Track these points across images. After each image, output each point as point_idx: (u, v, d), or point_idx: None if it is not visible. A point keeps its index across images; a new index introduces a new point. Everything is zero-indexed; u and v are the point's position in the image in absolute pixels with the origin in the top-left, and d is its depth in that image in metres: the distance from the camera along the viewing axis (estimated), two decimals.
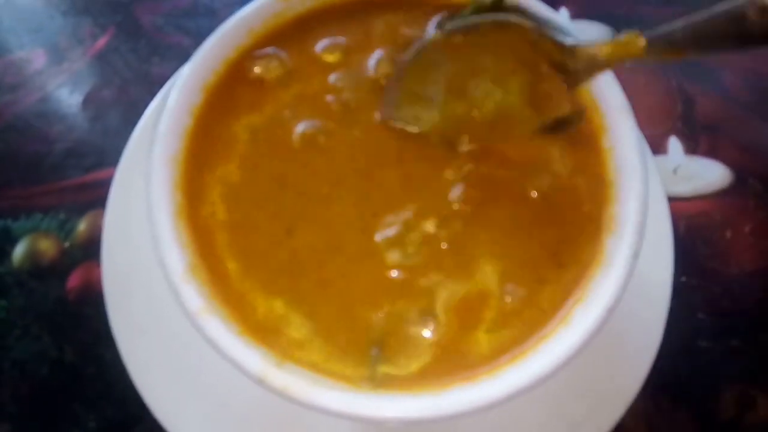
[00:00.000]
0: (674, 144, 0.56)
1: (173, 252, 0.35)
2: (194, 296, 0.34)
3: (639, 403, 0.43)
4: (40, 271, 0.53)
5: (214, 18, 0.61)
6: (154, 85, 0.57)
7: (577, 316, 0.34)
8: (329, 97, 0.39)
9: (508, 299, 0.36)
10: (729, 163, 0.55)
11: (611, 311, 0.33)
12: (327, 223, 0.37)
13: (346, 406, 0.32)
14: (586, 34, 0.59)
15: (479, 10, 0.39)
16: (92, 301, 0.51)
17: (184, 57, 0.52)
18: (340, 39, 0.40)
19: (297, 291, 0.36)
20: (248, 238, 0.37)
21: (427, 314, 0.35)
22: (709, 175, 0.55)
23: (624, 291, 0.34)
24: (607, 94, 0.38)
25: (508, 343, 0.35)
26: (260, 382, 0.33)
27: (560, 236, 0.37)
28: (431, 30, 0.40)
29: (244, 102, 0.40)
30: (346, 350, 0.35)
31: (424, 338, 0.35)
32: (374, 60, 0.40)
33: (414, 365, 0.35)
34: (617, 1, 0.62)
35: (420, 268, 0.36)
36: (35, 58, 0.60)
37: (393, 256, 0.36)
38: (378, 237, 0.36)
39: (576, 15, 0.61)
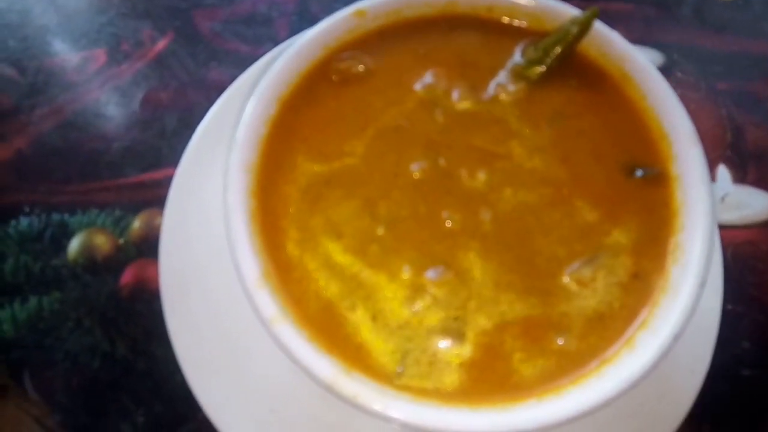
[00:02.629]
0: (723, 172, 0.57)
1: (249, 257, 0.36)
2: (268, 303, 0.35)
3: (682, 429, 0.44)
4: (94, 266, 0.54)
5: (270, 26, 0.63)
6: (211, 90, 0.59)
7: (641, 342, 0.35)
8: (401, 120, 0.40)
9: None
10: None
11: (678, 338, 0.34)
12: (402, 237, 0.38)
13: (414, 417, 0.33)
14: None
15: (565, 37, 0.40)
16: (145, 298, 0.52)
17: (241, 63, 0.53)
18: (411, 61, 0.41)
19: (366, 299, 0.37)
20: (319, 245, 0.38)
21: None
22: (756, 204, 0.55)
23: (690, 319, 0.35)
24: (675, 122, 0.39)
25: (568, 365, 0.36)
26: (329, 389, 0.34)
27: None
28: (517, 57, 0.41)
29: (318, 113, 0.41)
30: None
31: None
32: (456, 93, 0.41)
33: (455, 378, 0.35)
34: (670, 28, 0.62)
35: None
36: (96, 58, 0.61)
37: None
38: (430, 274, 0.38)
39: (628, 40, 0.61)
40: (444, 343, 0.36)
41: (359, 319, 0.37)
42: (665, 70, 0.60)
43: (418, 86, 0.42)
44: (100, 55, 0.61)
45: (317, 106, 0.41)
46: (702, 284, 0.35)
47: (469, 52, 0.43)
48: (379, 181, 0.40)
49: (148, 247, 0.54)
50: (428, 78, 0.42)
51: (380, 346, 0.36)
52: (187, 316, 0.45)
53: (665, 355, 0.34)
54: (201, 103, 0.57)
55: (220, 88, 0.51)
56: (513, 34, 0.43)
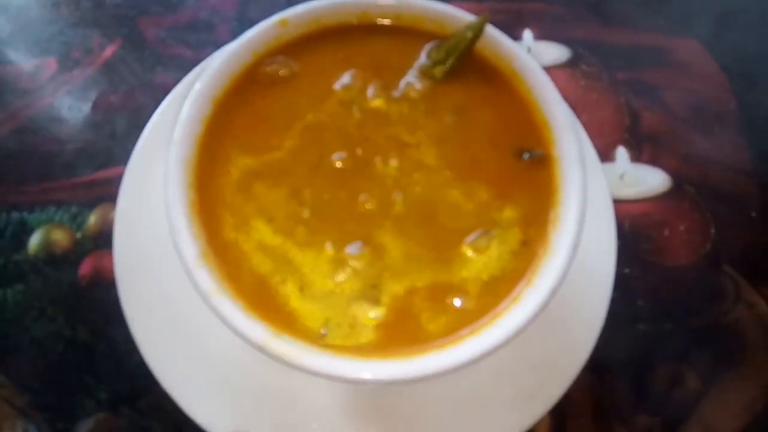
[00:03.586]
0: (621, 153, 0.64)
1: (187, 241, 0.41)
2: (206, 279, 0.40)
3: (585, 377, 0.50)
4: (54, 259, 0.58)
5: (212, 32, 0.67)
6: (157, 92, 0.63)
7: (526, 297, 0.41)
8: (323, 116, 0.46)
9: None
10: (668, 170, 0.63)
11: (555, 292, 0.40)
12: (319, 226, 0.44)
13: (333, 369, 0.39)
14: (547, 54, 0.67)
15: (462, 40, 0.46)
16: (103, 286, 0.57)
17: (185, 67, 0.58)
18: (331, 64, 0.47)
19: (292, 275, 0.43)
20: (252, 229, 0.43)
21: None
22: (651, 180, 0.63)
23: (566, 274, 0.41)
24: (555, 111, 0.45)
25: (467, 320, 0.42)
26: (261, 349, 0.39)
27: None
28: (423, 58, 0.47)
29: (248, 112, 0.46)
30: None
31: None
32: (371, 91, 0.47)
33: (372, 337, 0.41)
34: (576, 25, 0.69)
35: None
36: (47, 66, 0.65)
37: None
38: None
39: (538, 36, 0.68)
40: (362, 308, 0.42)
41: (289, 291, 0.42)
42: (573, 63, 0.67)
43: (337, 86, 0.47)
44: (52, 62, 0.65)
45: (248, 106, 0.46)
46: (575, 245, 0.41)
47: (382, 54, 0.48)
48: (304, 171, 0.45)
49: (103, 239, 0.58)
50: (346, 79, 0.47)
51: (307, 313, 0.42)
52: (141, 301, 0.50)
53: (545, 305, 0.40)
54: (149, 105, 0.61)
55: (166, 91, 0.55)
56: (420, 38, 0.48)
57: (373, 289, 0.43)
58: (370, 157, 0.45)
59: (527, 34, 0.68)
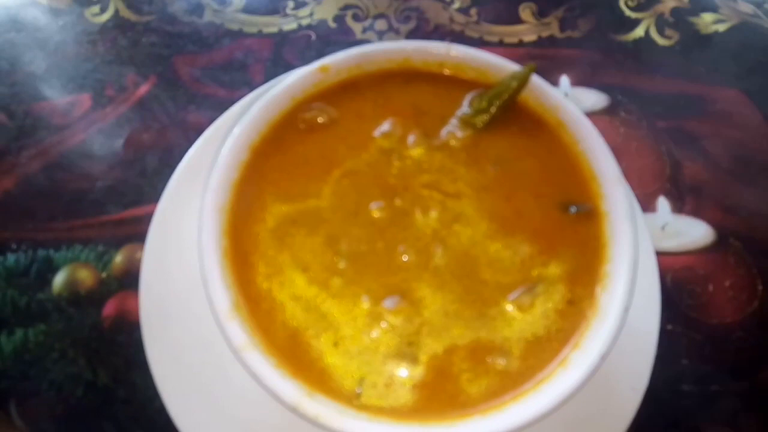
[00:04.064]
0: (663, 203, 0.62)
1: (220, 292, 0.40)
2: (238, 333, 0.39)
3: None
4: (77, 299, 0.57)
5: (246, 72, 0.67)
6: (190, 131, 0.63)
7: (574, 361, 0.39)
8: (362, 164, 0.45)
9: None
10: (712, 222, 0.61)
11: (605, 358, 0.38)
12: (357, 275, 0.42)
13: None
14: (584, 101, 0.65)
15: (507, 90, 0.45)
16: (126, 328, 0.55)
17: (218, 106, 0.58)
18: (370, 111, 0.46)
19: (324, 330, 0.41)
20: (286, 279, 0.42)
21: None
22: (693, 232, 0.60)
23: (617, 339, 0.39)
24: (603, 164, 0.44)
25: (510, 384, 0.40)
26: (294, 410, 0.37)
27: None
28: (465, 106, 0.46)
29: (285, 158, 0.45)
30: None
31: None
32: (411, 139, 0.46)
33: (409, 398, 0.39)
34: (613, 72, 0.68)
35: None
36: (81, 102, 0.65)
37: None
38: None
39: (575, 83, 0.67)
40: (399, 367, 0.40)
41: (322, 345, 0.41)
42: (610, 110, 0.66)
43: (376, 133, 0.46)
44: (86, 99, 0.65)
45: (285, 152, 0.45)
46: (626, 309, 0.39)
47: (423, 102, 0.47)
48: (341, 220, 0.44)
49: (129, 280, 0.57)
50: (386, 126, 0.46)
51: (341, 370, 0.40)
52: (166, 346, 0.49)
53: (594, 372, 0.38)
54: (181, 144, 0.61)
55: (199, 130, 0.55)
56: (461, 86, 0.47)
57: (410, 346, 0.41)
58: (409, 207, 0.44)
59: (564, 80, 0.67)
